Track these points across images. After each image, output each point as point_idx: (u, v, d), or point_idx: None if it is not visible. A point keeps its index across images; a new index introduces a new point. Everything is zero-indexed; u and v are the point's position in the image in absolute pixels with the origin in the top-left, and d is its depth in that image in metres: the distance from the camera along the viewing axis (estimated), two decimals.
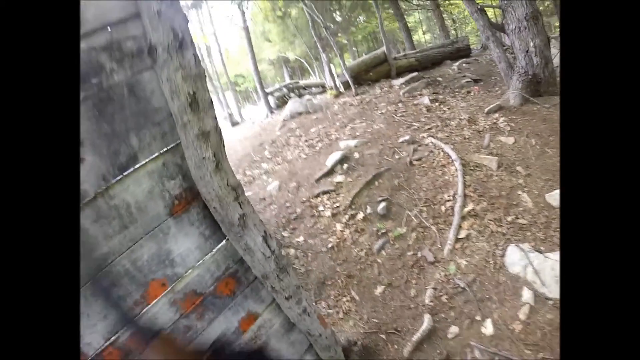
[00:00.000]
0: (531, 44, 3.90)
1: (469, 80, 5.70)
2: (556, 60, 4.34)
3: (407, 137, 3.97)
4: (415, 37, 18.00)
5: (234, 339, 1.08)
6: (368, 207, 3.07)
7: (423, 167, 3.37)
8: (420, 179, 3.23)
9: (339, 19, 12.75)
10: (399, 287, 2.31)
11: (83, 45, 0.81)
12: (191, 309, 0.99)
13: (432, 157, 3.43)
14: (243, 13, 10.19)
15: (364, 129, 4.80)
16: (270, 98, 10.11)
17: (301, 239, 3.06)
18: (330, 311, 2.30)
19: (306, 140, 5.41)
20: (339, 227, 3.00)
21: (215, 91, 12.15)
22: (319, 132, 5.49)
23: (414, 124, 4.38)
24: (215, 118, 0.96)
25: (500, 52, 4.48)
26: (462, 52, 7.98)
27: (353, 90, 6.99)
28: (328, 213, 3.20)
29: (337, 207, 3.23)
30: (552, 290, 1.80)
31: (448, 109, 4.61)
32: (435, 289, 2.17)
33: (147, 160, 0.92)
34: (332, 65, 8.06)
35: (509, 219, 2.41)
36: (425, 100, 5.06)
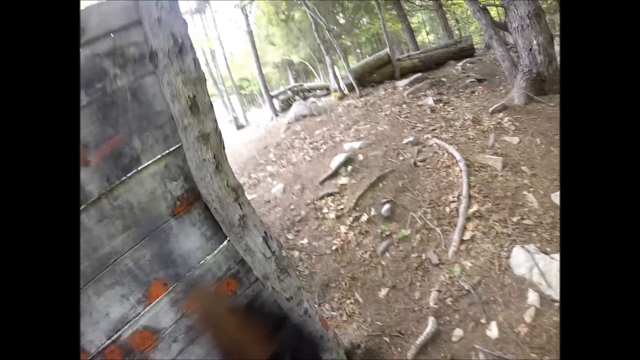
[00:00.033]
0: (534, 42, 3.85)
1: (473, 80, 5.67)
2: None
3: (411, 139, 3.96)
4: (419, 38, 17.95)
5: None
6: (372, 209, 3.07)
7: (427, 168, 3.35)
8: (424, 180, 3.21)
9: (342, 21, 12.79)
10: (403, 290, 2.30)
11: (87, 51, 0.84)
12: (192, 308, 1.01)
13: (436, 158, 3.41)
14: (246, 17, 10.31)
15: (368, 130, 4.80)
16: (275, 101, 10.18)
17: (305, 241, 3.07)
18: (333, 313, 2.30)
19: (310, 143, 5.43)
20: (343, 229, 2.99)
21: (220, 95, 12.27)
22: (324, 135, 5.50)
23: (418, 125, 4.37)
24: (216, 120, 0.98)
25: (504, 50, 4.44)
26: (465, 52, 7.94)
27: (357, 92, 7.00)
28: (332, 215, 3.20)
29: (341, 209, 3.23)
30: (559, 292, 1.77)
31: (452, 109, 4.59)
32: (439, 291, 2.15)
33: (149, 162, 0.94)
34: (336, 68, 8.10)
35: (515, 219, 2.38)
36: (430, 101, 5.04)
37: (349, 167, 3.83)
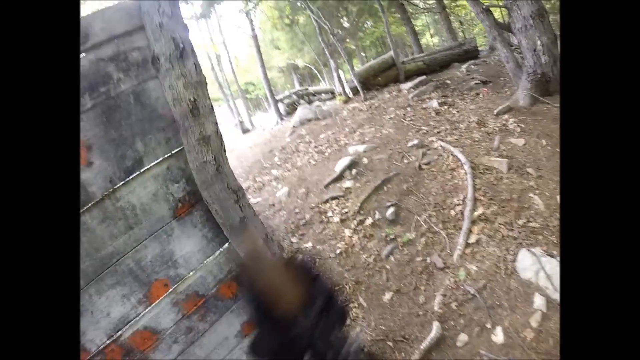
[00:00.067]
0: (538, 42, 3.81)
1: (478, 82, 5.63)
2: None
3: (416, 141, 3.94)
4: (423, 41, 17.94)
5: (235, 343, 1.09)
6: (377, 212, 3.05)
7: (432, 171, 3.33)
8: (429, 183, 3.19)
9: (346, 24, 12.86)
10: (407, 294, 2.27)
11: (92, 56, 0.86)
12: (193, 310, 1.01)
13: (441, 161, 3.39)
14: (251, 21, 10.45)
15: (373, 134, 4.80)
16: (280, 105, 10.26)
17: (309, 244, 3.06)
18: None
19: (315, 147, 5.44)
20: (347, 232, 2.98)
21: (226, 99, 12.41)
22: (328, 138, 5.52)
23: (423, 127, 4.35)
24: (216, 123, 1.00)
25: (508, 52, 4.41)
26: (470, 54, 7.92)
27: (362, 95, 7.01)
28: (337, 219, 3.20)
29: (346, 212, 3.23)
30: None
31: (457, 111, 4.56)
32: (444, 295, 2.12)
33: (152, 164, 0.96)
34: (340, 71, 8.13)
35: (520, 222, 2.34)
36: (434, 103, 5.03)
37: (354, 171, 3.83)
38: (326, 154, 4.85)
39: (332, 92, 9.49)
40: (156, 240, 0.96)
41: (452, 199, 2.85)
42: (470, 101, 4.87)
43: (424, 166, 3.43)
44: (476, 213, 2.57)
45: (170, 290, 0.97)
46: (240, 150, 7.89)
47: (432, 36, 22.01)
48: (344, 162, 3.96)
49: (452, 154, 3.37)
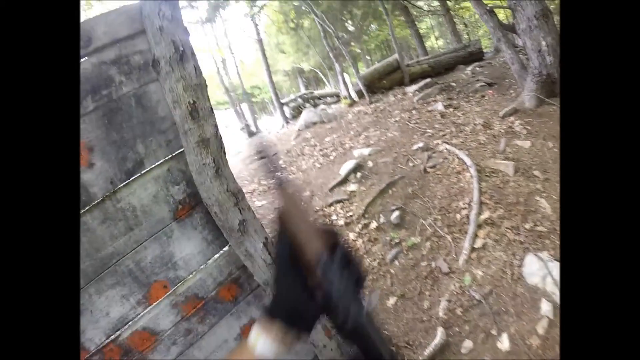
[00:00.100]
0: (543, 43, 3.76)
1: (483, 84, 5.58)
2: None
3: (421, 144, 3.92)
4: (428, 43, 17.91)
5: None
6: (381, 216, 3.03)
7: (437, 174, 3.30)
8: (434, 186, 3.16)
9: (351, 28, 12.91)
10: (411, 299, 2.24)
11: (94, 59, 0.87)
12: (192, 312, 1.01)
13: (446, 164, 3.36)
14: (256, 26, 10.57)
15: (378, 137, 4.79)
16: (285, 108, 10.33)
17: None
18: None
19: (320, 150, 5.45)
20: (352, 236, 2.97)
21: (231, 103, 12.54)
22: (333, 142, 5.52)
23: (428, 130, 4.33)
24: (216, 126, 1.00)
25: (513, 53, 4.36)
26: (474, 56, 7.87)
27: (367, 98, 7.01)
28: (341, 222, 3.18)
29: (351, 216, 3.21)
30: None
31: (462, 114, 4.53)
32: (449, 301, 2.09)
33: (152, 166, 0.97)
34: (345, 75, 8.15)
35: (527, 226, 2.29)
36: (439, 106, 5.00)
37: (359, 174, 3.82)
38: (331, 157, 4.85)
39: (337, 96, 9.52)
40: (156, 241, 0.96)
41: (458, 202, 2.82)
42: (475, 103, 4.83)
43: (429, 169, 3.40)
44: (482, 217, 2.53)
45: (170, 291, 0.97)
46: (246, 153, 7.95)
47: (436, 39, 21.96)
48: (349, 165, 3.96)
49: (457, 157, 3.34)
